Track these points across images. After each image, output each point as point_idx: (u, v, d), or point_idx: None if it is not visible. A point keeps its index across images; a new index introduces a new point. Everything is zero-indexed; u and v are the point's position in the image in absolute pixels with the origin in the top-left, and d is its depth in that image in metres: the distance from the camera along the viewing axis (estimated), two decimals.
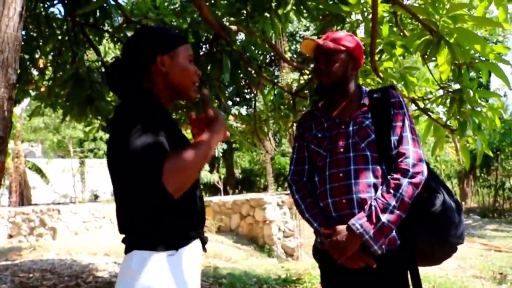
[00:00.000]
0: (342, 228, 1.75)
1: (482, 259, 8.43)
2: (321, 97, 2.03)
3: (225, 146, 17.64)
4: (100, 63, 4.33)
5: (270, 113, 4.85)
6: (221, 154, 17.88)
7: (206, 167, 16.91)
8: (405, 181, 1.71)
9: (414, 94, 3.87)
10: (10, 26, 1.38)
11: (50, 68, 4.55)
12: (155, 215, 1.32)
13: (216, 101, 4.42)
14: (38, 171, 16.81)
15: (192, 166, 1.26)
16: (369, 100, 1.89)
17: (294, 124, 4.42)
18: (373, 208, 1.70)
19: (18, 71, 1.49)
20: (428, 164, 1.82)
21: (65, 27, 3.95)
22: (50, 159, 18.12)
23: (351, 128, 1.85)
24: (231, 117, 5.83)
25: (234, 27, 3.32)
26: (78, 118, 4.38)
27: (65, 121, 4.68)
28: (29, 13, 3.63)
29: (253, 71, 3.77)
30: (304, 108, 4.19)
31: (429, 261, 1.89)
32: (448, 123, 3.56)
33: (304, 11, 3.52)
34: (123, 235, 1.39)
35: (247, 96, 18.52)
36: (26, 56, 4.03)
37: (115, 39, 4.13)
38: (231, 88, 4.75)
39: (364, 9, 3.32)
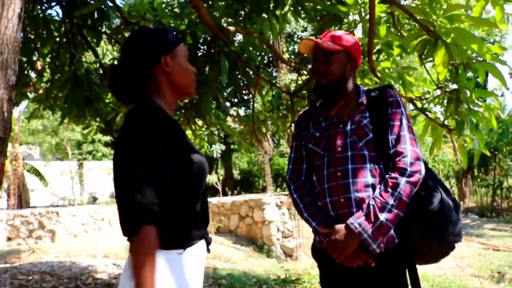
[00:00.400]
0: (340, 227, 1.75)
1: (481, 258, 8.45)
2: (319, 97, 2.04)
3: (223, 147, 17.64)
4: (98, 64, 4.34)
5: (268, 113, 4.86)
6: (219, 156, 17.87)
7: None
8: (403, 180, 1.71)
9: (412, 94, 3.88)
10: (9, 28, 1.39)
11: (48, 70, 4.55)
12: (164, 217, 1.32)
13: (215, 102, 4.43)
14: (37, 173, 16.77)
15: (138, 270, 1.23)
16: (367, 99, 1.90)
17: (292, 125, 4.43)
18: (371, 207, 1.71)
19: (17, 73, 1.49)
20: (425, 163, 1.83)
21: (63, 29, 3.96)
22: (49, 161, 18.07)
23: (349, 127, 1.86)
24: (229, 118, 5.83)
25: (232, 28, 3.33)
26: (77, 120, 4.38)
27: (64, 123, 4.68)
28: (26, 15, 3.63)
29: (251, 72, 3.78)
30: (302, 109, 4.20)
31: (427, 259, 1.90)
32: (445, 122, 3.57)
33: (302, 11, 3.53)
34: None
35: (246, 97, 18.53)
36: (24, 58, 4.03)
37: (113, 40, 4.14)
38: (230, 89, 4.76)
39: (362, 10, 3.33)
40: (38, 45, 4.05)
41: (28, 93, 4.79)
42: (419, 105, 3.76)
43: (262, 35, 3.70)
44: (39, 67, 4.47)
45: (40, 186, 17.02)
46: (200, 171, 1.42)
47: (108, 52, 7.72)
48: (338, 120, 1.89)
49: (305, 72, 4.09)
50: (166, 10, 4.14)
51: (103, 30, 4.11)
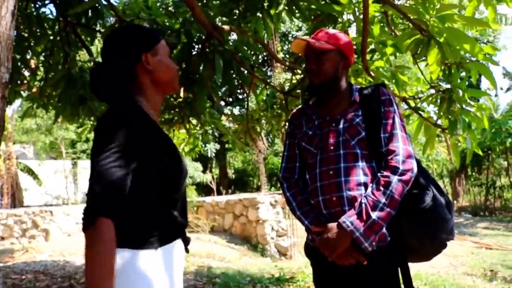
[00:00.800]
0: (332, 225, 1.76)
1: (473, 256, 8.51)
2: (312, 96, 2.04)
3: (218, 146, 17.62)
4: (92, 63, 4.32)
5: (263, 112, 4.86)
6: (214, 155, 17.85)
7: (199, 167, 16.88)
8: (395, 179, 1.72)
9: (405, 93, 3.90)
10: (3, 25, 1.39)
11: (41, 69, 4.53)
12: (134, 215, 1.33)
13: (209, 101, 4.43)
14: (30, 172, 16.68)
15: (92, 256, 1.23)
16: (359, 97, 1.91)
17: (287, 124, 4.44)
18: (363, 205, 1.72)
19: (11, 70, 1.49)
20: (418, 161, 1.84)
21: (56, 27, 3.94)
22: (42, 160, 17.99)
23: (341, 126, 1.86)
24: (224, 117, 5.84)
25: (226, 27, 3.33)
26: (71, 118, 4.37)
27: (57, 122, 4.66)
28: (20, 13, 3.62)
29: (245, 71, 3.78)
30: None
31: (420, 257, 1.91)
32: (438, 122, 3.59)
33: (296, 11, 3.53)
34: None
35: (240, 96, 18.53)
36: (18, 57, 4.01)
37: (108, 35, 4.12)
38: (224, 88, 4.77)
39: (356, 9, 3.34)
40: (32, 43, 4.04)
41: (22, 92, 4.76)
42: (412, 104, 3.78)
43: (257, 34, 3.70)
44: (33, 66, 4.46)
45: (33, 185, 16.94)
46: (176, 173, 1.42)
47: None
48: (331, 118, 1.90)
49: (299, 71, 4.09)
50: (161, 9, 4.13)
51: (97, 29, 4.09)
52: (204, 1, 3.76)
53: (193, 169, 15.92)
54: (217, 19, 3.90)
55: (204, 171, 17.47)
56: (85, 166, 18.43)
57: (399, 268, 1.84)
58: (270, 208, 9.64)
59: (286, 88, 4.49)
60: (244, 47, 3.64)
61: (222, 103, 18.33)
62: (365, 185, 1.79)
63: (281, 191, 2.08)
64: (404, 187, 1.74)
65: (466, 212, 16.66)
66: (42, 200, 17.28)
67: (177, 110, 4.28)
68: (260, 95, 4.68)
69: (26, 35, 3.93)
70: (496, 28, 2.96)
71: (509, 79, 23.71)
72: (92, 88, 1.44)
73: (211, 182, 17.28)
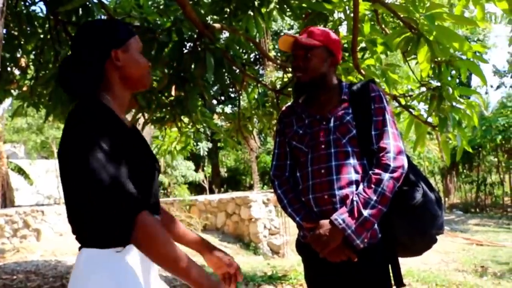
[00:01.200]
0: (325, 222, 1.77)
1: (465, 253, 8.59)
2: (300, 94, 2.04)
3: (210, 145, 17.61)
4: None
5: (254, 111, 4.87)
6: (206, 153, 17.84)
7: (192, 166, 16.86)
8: (386, 176, 1.74)
9: (396, 91, 3.92)
10: None
11: (32, 67, 4.50)
12: (101, 213, 1.29)
13: (201, 99, 4.43)
14: (21, 172, 16.58)
15: (161, 254, 1.26)
16: (349, 94, 1.91)
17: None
18: (355, 203, 1.73)
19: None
20: (408, 157, 1.86)
21: (47, 25, 3.91)
22: (34, 160, 17.88)
23: (332, 124, 1.87)
24: (215, 116, 5.83)
25: (217, 26, 3.33)
26: (61, 117, 4.34)
27: (48, 120, 4.63)
28: (10, 12, 3.59)
29: (237, 69, 3.78)
30: None
31: (411, 252, 1.94)
32: (429, 119, 3.62)
33: (287, 9, 3.54)
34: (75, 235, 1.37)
35: (232, 95, 18.51)
36: (7, 55, 3.98)
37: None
38: (216, 87, 4.76)
39: (346, 7, 3.36)
40: (22, 42, 4.00)
41: (12, 90, 4.73)
42: (403, 102, 3.81)
43: (248, 32, 3.70)
44: (23, 64, 4.42)
45: (25, 185, 16.83)
46: (142, 171, 1.39)
47: None
48: (321, 117, 1.90)
49: (291, 70, 4.10)
50: (152, 7, 4.12)
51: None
52: None
53: (185, 168, 15.90)
54: (208, 17, 3.90)
55: (196, 170, 17.47)
56: None
57: (389, 264, 1.86)
58: (262, 206, 9.65)
59: (278, 86, 4.50)
60: (236, 46, 3.65)
61: (214, 101, 18.32)
62: (357, 183, 1.80)
63: (273, 190, 2.07)
64: (395, 184, 1.75)
65: (457, 209, 16.80)
66: (33, 199, 17.19)
67: (168, 108, 4.27)
68: (251, 93, 4.69)
69: (16, 33, 3.89)
70: (484, 26, 2.98)
71: (499, 77, 23.92)
72: (60, 82, 1.42)
73: (203, 181, 17.29)
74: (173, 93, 3.97)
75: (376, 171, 1.76)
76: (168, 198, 12.84)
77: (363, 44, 3.50)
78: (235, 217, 9.92)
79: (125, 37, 1.45)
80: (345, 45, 3.62)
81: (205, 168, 19.51)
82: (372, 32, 3.31)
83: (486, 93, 21.92)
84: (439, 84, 3.35)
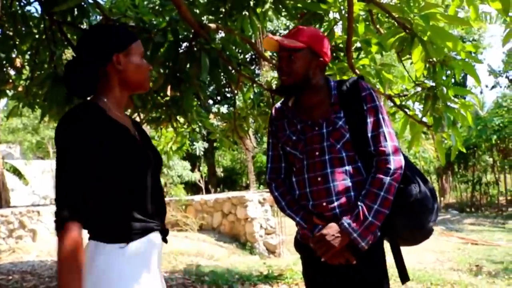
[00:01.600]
0: (333, 224, 1.78)
1: (460, 252, 8.62)
2: (284, 95, 2.01)
3: (206, 145, 17.61)
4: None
5: (250, 110, 4.88)
6: (202, 153, 17.83)
7: (188, 166, 16.85)
8: (388, 180, 1.76)
9: (391, 91, 3.94)
10: None
11: (27, 67, 4.49)
12: (105, 207, 1.39)
13: (196, 99, 4.44)
14: (17, 172, 16.53)
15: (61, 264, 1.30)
16: (339, 96, 1.87)
17: None
18: (360, 208, 1.75)
19: None
20: (402, 153, 1.87)
21: (42, 25, 3.90)
22: (29, 160, 17.83)
23: (325, 130, 1.84)
24: (211, 115, 5.84)
25: (213, 26, 3.33)
26: (57, 117, 4.33)
27: (44, 121, 4.63)
28: (5, 12, 3.58)
29: (232, 69, 3.79)
30: None
31: (409, 243, 1.99)
32: (423, 119, 3.63)
33: (283, 9, 3.55)
34: None
35: (228, 95, 18.52)
36: (3, 55, 3.97)
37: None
38: (212, 86, 4.77)
39: (342, 7, 3.37)
40: (17, 42, 3.99)
41: (7, 91, 4.72)
42: (398, 102, 3.82)
43: (244, 32, 3.71)
44: (18, 64, 4.41)
45: (20, 185, 16.79)
46: (140, 166, 1.46)
47: None
48: (313, 122, 1.88)
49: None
50: (147, 7, 4.12)
51: (83, 27, 4.07)
52: None
53: (182, 168, 15.88)
54: (204, 17, 3.90)
55: (192, 170, 17.45)
56: None
57: (393, 259, 1.91)
58: (258, 206, 9.67)
59: (273, 86, 4.51)
60: (231, 46, 3.65)
61: (210, 101, 18.32)
62: (354, 187, 1.81)
63: (270, 192, 2.07)
64: (396, 185, 1.78)
65: (452, 208, 16.87)
66: (29, 200, 17.14)
67: (164, 108, 4.27)
68: (247, 93, 4.70)
69: (11, 33, 3.89)
70: (477, 26, 3.01)
71: (494, 77, 24.00)
72: (64, 82, 1.49)
73: (199, 181, 17.27)
74: (168, 93, 3.98)
75: (378, 176, 1.77)
76: (164, 198, 12.81)
77: (358, 44, 3.51)
78: (231, 216, 9.94)
79: (127, 42, 1.50)
80: (340, 45, 3.64)
81: (201, 168, 19.49)
82: (366, 32, 3.32)
83: (481, 92, 22.03)
84: (433, 84, 3.36)
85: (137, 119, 4.42)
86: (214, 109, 16.37)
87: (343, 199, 1.80)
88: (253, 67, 17.68)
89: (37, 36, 4.00)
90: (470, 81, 20.47)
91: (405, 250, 1.97)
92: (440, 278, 5.64)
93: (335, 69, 3.62)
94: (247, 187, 19.02)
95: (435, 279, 5.52)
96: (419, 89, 3.56)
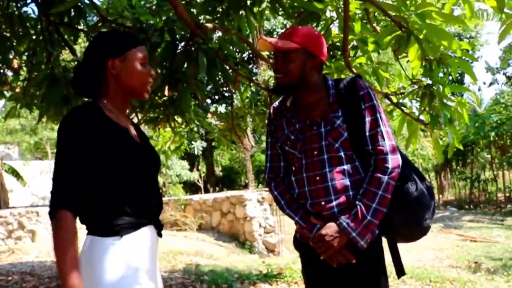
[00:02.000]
0: (332, 223, 1.79)
1: (458, 249, 8.65)
2: (280, 95, 2.02)
3: (204, 144, 17.59)
4: (75, 62, 4.30)
5: (247, 110, 4.88)
6: (201, 153, 17.83)
7: (186, 165, 16.85)
8: (385, 179, 1.77)
9: (388, 89, 3.95)
10: None
11: (24, 68, 4.50)
12: (99, 202, 1.46)
13: (194, 99, 4.44)
14: (15, 173, 16.51)
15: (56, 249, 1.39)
16: (337, 95, 1.87)
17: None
18: (358, 207, 1.76)
19: None
20: (399, 150, 1.88)
21: (39, 26, 3.90)
22: (28, 161, 17.80)
23: (323, 129, 1.85)
24: (209, 115, 5.84)
25: (209, 25, 3.33)
26: (55, 118, 4.34)
27: (42, 122, 4.63)
28: (1, 13, 3.59)
29: (229, 69, 3.79)
30: None
31: (407, 240, 2.00)
32: (420, 117, 3.64)
33: (279, 8, 3.55)
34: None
35: (226, 94, 18.52)
36: (0, 57, 3.98)
37: (91, 38, 4.10)
38: (210, 86, 4.78)
39: (338, 6, 3.37)
40: (14, 43, 4.00)
41: (5, 92, 4.72)
42: (395, 100, 3.83)
43: (241, 32, 3.71)
44: (16, 65, 4.41)
45: (19, 186, 16.77)
46: (136, 165, 1.52)
47: None
48: (311, 122, 1.88)
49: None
50: (144, 8, 4.12)
51: (80, 28, 4.07)
52: None
53: (180, 168, 15.88)
54: (201, 17, 3.90)
55: (191, 169, 17.44)
56: None
57: (390, 257, 1.91)
58: (257, 205, 9.68)
59: (271, 85, 4.51)
60: (228, 45, 3.65)
61: (209, 101, 18.32)
62: (352, 186, 1.82)
63: (269, 191, 2.08)
64: (393, 184, 1.79)
65: (451, 205, 16.88)
66: (28, 201, 17.12)
67: (161, 108, 4.27)
68: (244, 92, 4.70)
69: (8, 34, 3.89)
70: (472, 24, 3.01)
71: (491, 74, 24.03)
72: (72, 84, 1.59)
73: (198, 180, 17.26)
74: (166, 93, 3.98)
75: (376, 175, 1.78)
76: (163, 198, 12.82)
77: (354, 43, 3.52)
78: (230, 216, 9.94)
79: (124, 48, 1.56)
80: (337, 44, 3.64)
81: (199, 167, 19.49)
82: (363, 30, 3.32)
83: (479, 89, 22.05)
84: (430, 82, 3.38)
85: (135, 119, 4.43)
86: (212, 109, 16.37)
87: (342, 198, 1.81)
88: (250, 66, 17.68)
89: (34, 37, 4.00)
90: (468, 78, 20.45)
91: (404, 248, 1.99)
92: (439, 275, 5.66)
93: (332, 67, 3.63)
94: (246, 186, 19.03)
95: (434, 276, 5.53)
96: (415, 87, 3.57)
